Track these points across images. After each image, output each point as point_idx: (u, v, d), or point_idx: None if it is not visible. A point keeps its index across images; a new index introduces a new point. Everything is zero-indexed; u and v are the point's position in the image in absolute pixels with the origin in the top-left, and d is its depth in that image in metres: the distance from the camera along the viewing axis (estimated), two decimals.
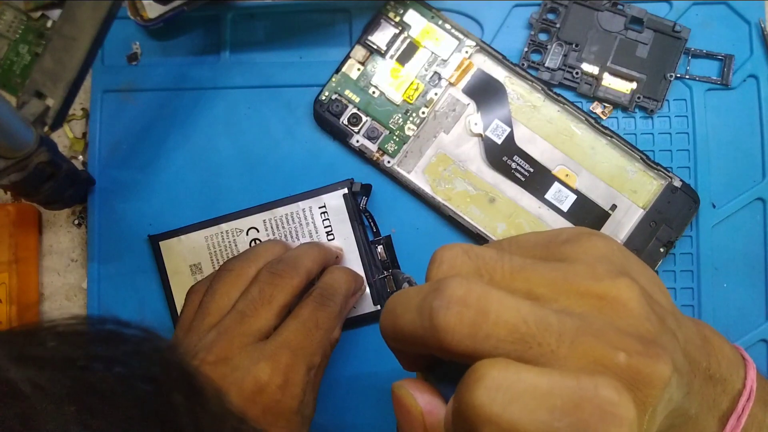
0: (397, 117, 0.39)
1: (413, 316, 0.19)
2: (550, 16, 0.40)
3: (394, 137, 0.39)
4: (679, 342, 0.19)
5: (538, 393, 0.17)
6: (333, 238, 0.39)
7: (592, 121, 0.39)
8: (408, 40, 0.40)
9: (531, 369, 0.17)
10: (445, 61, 0.39)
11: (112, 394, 0.16)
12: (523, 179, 0.39)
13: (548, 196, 0.39)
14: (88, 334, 0.18)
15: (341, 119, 0.40)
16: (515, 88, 0.39)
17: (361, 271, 0.38)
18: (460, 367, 0.18)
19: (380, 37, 0.40)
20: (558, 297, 0.19)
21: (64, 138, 0.42)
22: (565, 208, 0.39)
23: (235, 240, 0.39)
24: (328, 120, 0.40)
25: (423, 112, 0.39)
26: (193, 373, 0.18)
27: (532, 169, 0.39)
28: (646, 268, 0.21)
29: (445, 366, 0.20)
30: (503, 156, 0.39)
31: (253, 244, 0.39)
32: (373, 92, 0.40)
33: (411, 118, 0.39)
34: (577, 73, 0.39)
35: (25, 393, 0.15)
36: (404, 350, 0.21)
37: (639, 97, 0.39)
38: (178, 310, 0.39)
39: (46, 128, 0.33)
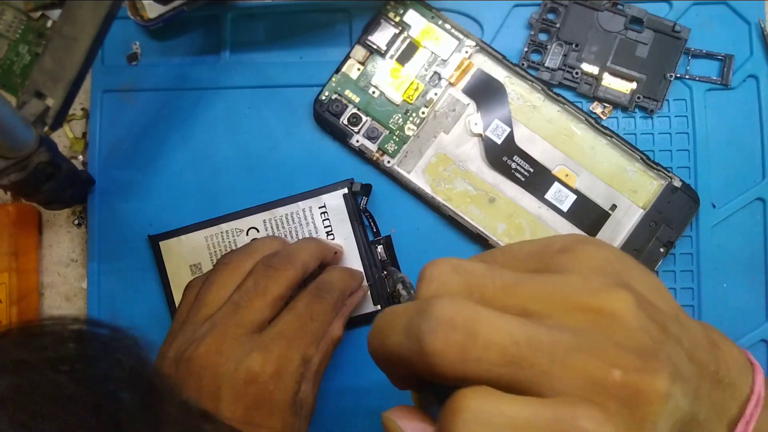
0: (397, 117, 0.39)
1: (401, 339, 0.18)
2: (550, 16, 0.40)
3: (394, 137, 0.39)
4: (683, 347, 0.19)
5: (517, 426, 0.16)
6: (333, 238, 0.39)
7: (592, 121, 0.39)
8: (408, 40, 0.40)
9: (511, 399, 0.17)
10: (445, 61, 0.39)
11: (65, 396, 0.16)
12: (523, 179, 0.39)
13: (548, 196, 0.39)
14: (52, 336, 0.18)
15: (341, 119, 0.40)
16: (515, 88, 0.39)
17: (361, 271, 0.38)
18: (452, 389, 0.18)
19: (380, 37, 0.40)
20: (552, 312, 0.18)
21: (64, 138, 0.42)
22: (565, 208, 0.39)
23: (235, 240, 0.39)
24: (328, 120, 0.40)
25: (423, 112, 0.39)
26: (148, 373, 0.18)
27: (532, 169, 0.39)
28: (646, 273, 0.20)
29: (436, 385, 0.19)
30: (503, 156, 0.39)
31: None
32: (373, 92, 0.40)
33: (411, 118, 0.39)
34: (577, 73, 0.39)
35: None
36: (392, 371, 0.20)
37: (639, 97, 0.39)
38: None
39: (46, 128, 0.33)
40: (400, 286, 0.29)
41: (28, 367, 0.16)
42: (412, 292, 0.29)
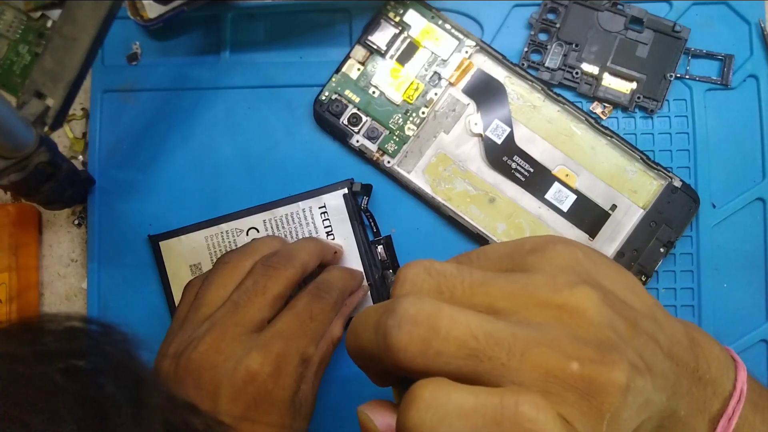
0: (397, 117, 0.39)
1: (370, 335, 0.19)
2: (550, 16, 0.40)
3: (394, 137, 0.39)
4: (659, 344, 0.19)
5: (464, 412, 0.17)
6: (333, 238, 0.39)
7: (592, 121, 0.39)
8: (408, 40, 0.40)
9: (461, 389, 0.17)
10: (445, 61, 0.39)
11: (53, 388, 0.16)
12: (523, 179, 0.39)
13: (548, 196, 0.39)
14: (45, 331, 0.18)
15: (341, 119, 0.40)
16: (515, 88, 0.39)
17: (361, 271, 0.38)
18: None
19: (380, 37, 0.40)
20: (518, 309, 0.19)
21: (64, 138, 0.42)
22: (565, 208, 0.39)
23: (235, 240, 0.39)
24: (328, 120, 0.40)
25: (423, 112, 0.39)
26: (135, 366, 0.18)
27: (532, 169, 0.39)
28: (619, 271, 0.21)
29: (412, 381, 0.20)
30: (503, 156, 0.39)
31: None
32: (373, 92, 0.40)
33: (411, 118, 0.39)
34: (577, 73, 0.39)
35: None
36: (368, 368, 0.21)
37: (639, 97, 0.39)
38: None
39: (46, 128, 0.33)
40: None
41: (17, 361, 0.16)
42: None
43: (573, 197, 0.39)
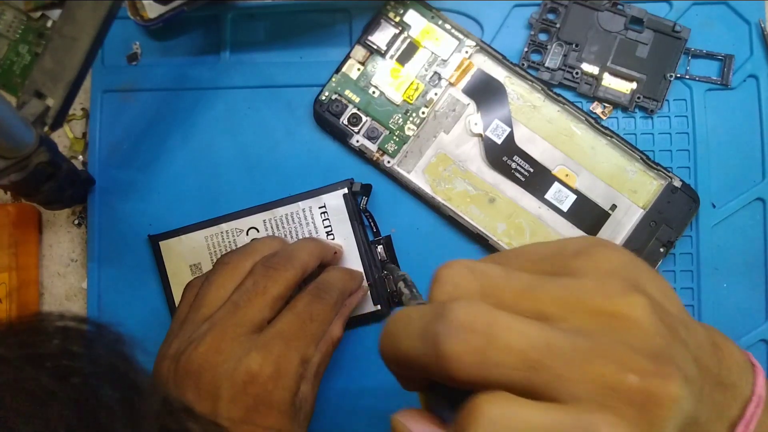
0: (397, 117, 0.39)
1: (415, 343, 0.18)
2: (550, 16, 0.40)
3: (394, 137, 0.39)
4: (689, 350, 0.19)
5: None
6: (333, 238, 0.39)
7: (592, 121, 0.39)
8: (408, 40, 0.40)
9: (530, 405, 0.17)
10: (445, 61, 0.39)
11: (44, 392, 0.16)
12: (523, 179, 0.39)
13: (548, 196, 0.39)
14: (36, 332, 0.17)
15: (341, 119, 0.40)
16: (515, 88, 0.39)
17: (361, 271, 0.38)
18: (462, 391, 0.18)
19: (380, 37, 0.40)
20: (568, 316, 0.18)
21: (64, 138, 0.42)
22: (565, 208, 0.39)
23: (235, 240, 0.39)
24: (328, 120, 0.40)
25: (423, 112, 0.39)
26: (129, 369, 0.18)
27: (532, 169, 0.39)
28: (656, 276, 0.20)
29: (446, 387, 0.19)
30: (503, 156, 0.39)
31: None
32: (373, 92, 0.40)
33: (411, 118, 0.39)
34: (577, 73, 0.39)
35: None
36: (404, 374, 0.20)
37: (639, 97, 0.39)
38: None
39: (46, 128, 0.33)
40: (401, 285, 0.29)
41: (6, 364, 0.16)
42: (414, 290, 0.29)
43: (573, 197, 0.39)
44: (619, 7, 0.39)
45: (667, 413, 0.17)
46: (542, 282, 0.19)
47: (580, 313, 0.18)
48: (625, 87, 0.39)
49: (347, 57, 0.40)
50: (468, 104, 0.39)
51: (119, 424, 0.16)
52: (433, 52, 0.40)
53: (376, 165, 0.39)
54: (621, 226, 0.38)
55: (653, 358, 0.17)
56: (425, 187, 0.39)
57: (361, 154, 0.39)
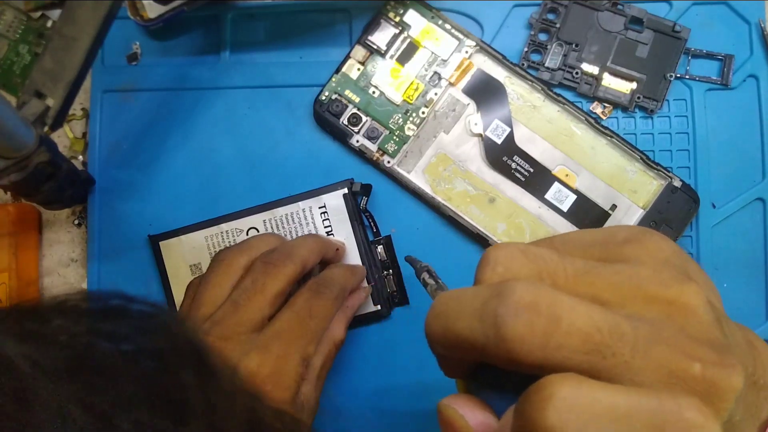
0: (397, 117, 0.39)
1: (472, 323, 0.17)
2: (550, 16, 0.40)
3: (394, 137, 0.39)
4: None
5: (617, 415, 0.15)
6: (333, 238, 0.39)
7: (592, 121, 0.39)
8: (408, 40, 0.40)
9: (606, 387, 0.16)
10: (445, 61, 0.39)
11: (116, 371, 0.16)
12: (523, 179, 0.39)
13: (548, 196, 0.39)
14: (92, 310, 0.17)
15: (341, 119, 0.40)
16: (515, 88, 0.39)
17: (363, 266, 0.38)
18: (512, 376, 0.17)
19: (380, 37, 0.40)
20: (626, 302, 0.17)
21: (64, 138, 0.42)
22: (565, 208, 0.39)
23: (235, 240, 0.39)
24: (328, 120, 0.40)
25: (423, 112, 0.39)
26: (204, 350, 0.18)
27: (532, 169, 0.39)
28: (701, 270, 0.20)
29: (493, 372, 0.18)
30: (503, 156, 0.39)
31: None
32: (373, 92, 0.40)
33: (411, 118, 0.39)
34: (577, 73, 0.39)
35: (22, 370, 0.15)
36: (452, 357, 0.19)
37: (639, 97, 0.39)
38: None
39: (46, 128, 0.33)
40: (425, 275, 0.29)
41: (79, 343, 0.16)
42: (440, 281, 0.28)
43: (573, 197, 0.39)
44: (619, 7, 0.39)
45: (727, 405, 0.16)
46: (597, 267, 0.18)
47: (638, 300, 0.18)
48: (625, 87, 0.39)
49: (347, 57, 0.40)
50: (468, 104, 0.39)
51: (196, 403, 0.16)
52: (433, 52, 0.40)
53: (376, 165, 0.39)
54: None
55: (714, 348, 0.17)
56: (425, 187, 0.39)
57: (361, 154, 0.39)
